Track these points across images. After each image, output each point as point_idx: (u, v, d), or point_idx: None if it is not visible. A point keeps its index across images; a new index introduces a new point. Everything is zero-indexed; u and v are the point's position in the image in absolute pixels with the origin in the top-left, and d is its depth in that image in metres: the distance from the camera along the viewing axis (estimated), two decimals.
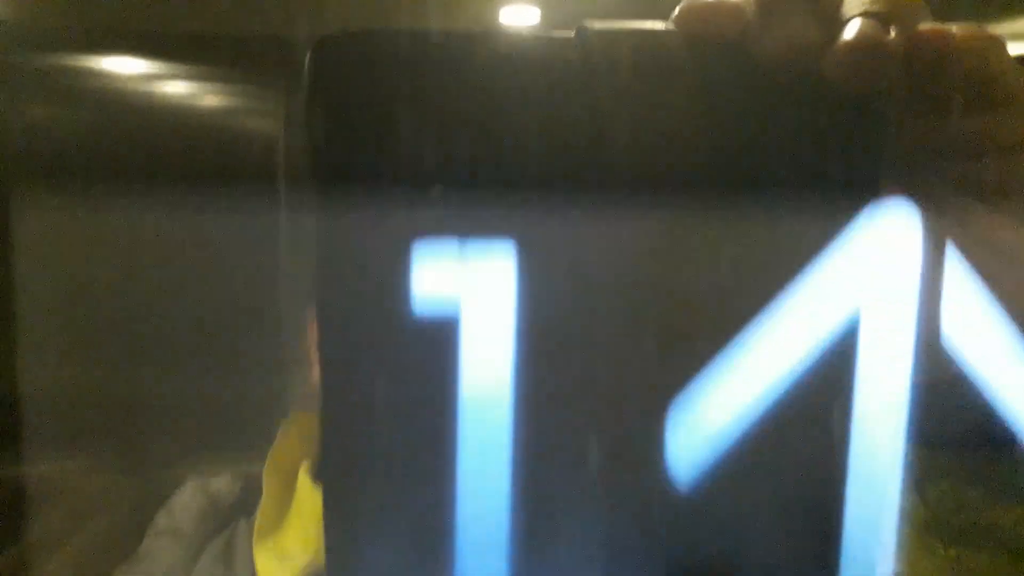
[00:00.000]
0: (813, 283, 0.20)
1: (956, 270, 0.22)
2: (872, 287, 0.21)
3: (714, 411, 0.20)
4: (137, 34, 0.87)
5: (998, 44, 0.22)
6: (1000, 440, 0.25)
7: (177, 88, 0.91)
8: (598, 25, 0.20)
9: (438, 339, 0.19)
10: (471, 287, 0.19)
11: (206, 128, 0.92)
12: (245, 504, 0.58)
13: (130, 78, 0.89)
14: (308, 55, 0.19)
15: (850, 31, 0.20)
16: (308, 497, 0.51)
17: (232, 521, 0.57)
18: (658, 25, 0.21)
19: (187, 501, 0.59)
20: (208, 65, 0.90)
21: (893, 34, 0.20)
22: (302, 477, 0.52)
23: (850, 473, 0.21)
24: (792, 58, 0.20)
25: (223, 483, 0.61)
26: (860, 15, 0.20)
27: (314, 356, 0.53)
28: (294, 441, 0.55)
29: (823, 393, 0.21)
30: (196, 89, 0.92)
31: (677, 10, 0.21)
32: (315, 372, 0.51)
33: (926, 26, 0.21)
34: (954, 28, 0.21)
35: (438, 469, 0.20)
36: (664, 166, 0.20)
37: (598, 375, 0.20)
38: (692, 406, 0.20)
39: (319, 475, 0.52)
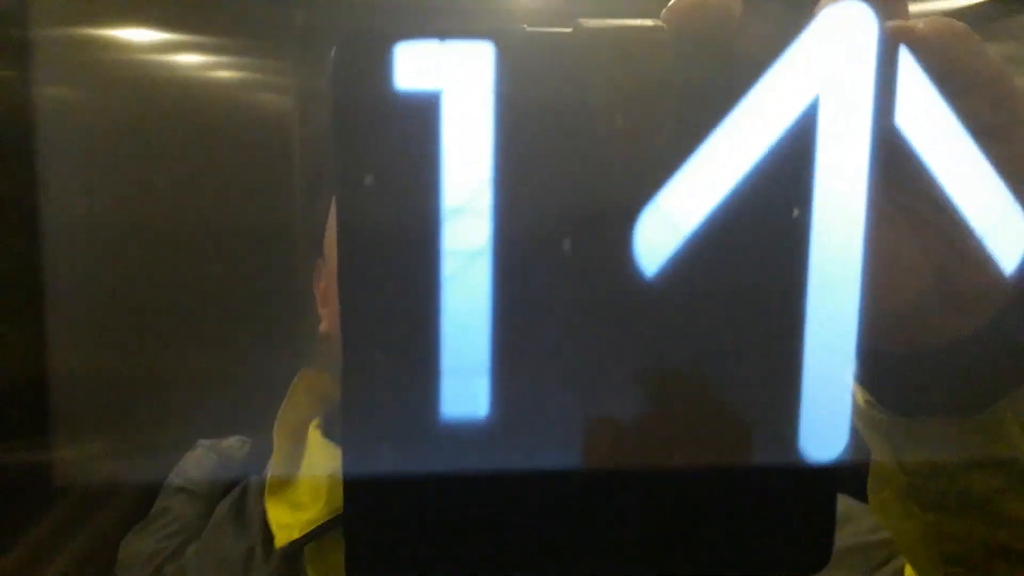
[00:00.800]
0: (774, 77, 0.22)
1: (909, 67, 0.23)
2: (830, 79, 0.22)
3: (683, 204, 0.21)
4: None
5: (965, 34, 0.23)
6: (973, 407, 0.26)
7: (187, 59, 0.92)
8: (593, 22, 0.22)
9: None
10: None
11: (217, 102, 0.93)
12: (254, 462, 0.60)
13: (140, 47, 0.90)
14: (330, 56, 0.20)
15: None
16: (319, 451, 0.53)
17: (243, 478, 0.59)
18: (649, 22, 0.22)
19: (199, 460, 0.62)
20: (219, 35, 0.91)
21: None
22: (313, 433, 0.54)
23: (810, 283, 0.22)
24: (774, 51, 0.22)
25: (232, 443, 0.63)
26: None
27: (322, 307, 0.55)
28: (303, 399, 0.57)
29: (785, 192, 0.22)
30: (206, 60, 0.92)
31: (667, 7, 0.22)
32: (323, 324, 0.53)
33: (893, 22, 0.22)
34: (920, 22, 0.23)
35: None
36: None
37: (570, 175, 0.21)
38: (663, 198, 0.21)
39: (330, 430, 0.55)
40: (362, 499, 0.22)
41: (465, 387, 0.21)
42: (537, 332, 0.22)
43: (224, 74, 0.94)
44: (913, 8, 0.24)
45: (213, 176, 0.88)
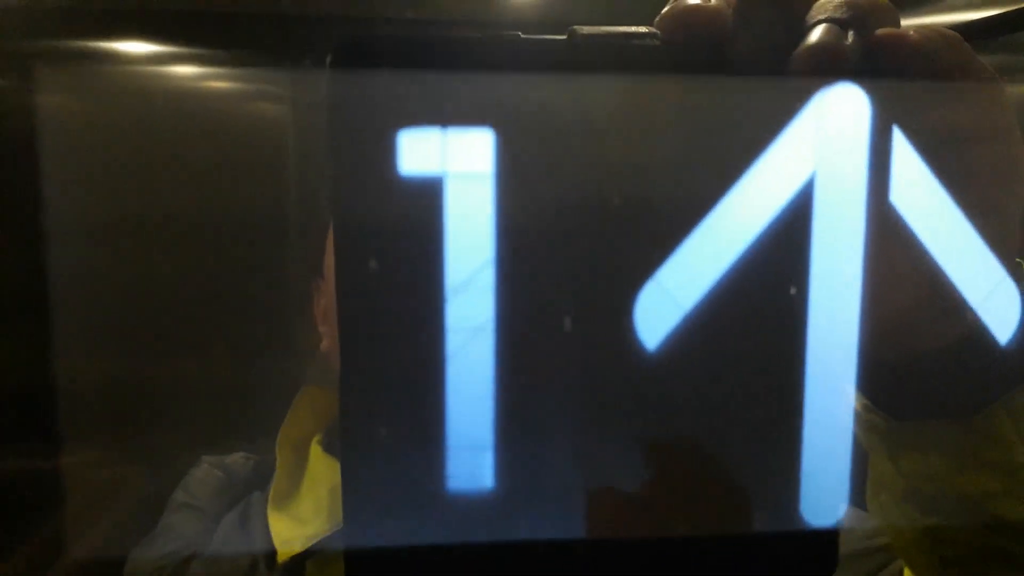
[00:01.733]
0: (772, 157, 0.22)
1: (903, 149, 0.23)
2: (824, 162, 0.22)
3: (683, 280, 0.22)
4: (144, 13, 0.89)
5: (955, 43, 0.24)
6: (967, 410, 0.26)
7: (184, 70, 0.92)
8: (587, 29, 0.22)
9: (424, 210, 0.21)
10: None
11: (214, 112, 0.93)
12: (258, 478, 0.61)
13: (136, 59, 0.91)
14: (328, 60, 0.21)
15: (812, 36, 0.22)
16: (321, 467, 0.53)
17: (247, 494, 0.59)
18: (643, 29, 0.23)
19: (203, 477, 0.62)
20: (214, 46, 0.92)
21: (851, 38, 0.22)
22: (314, 448, 0.54)
23: (808, 350, 0.22)
24: (763, 58, 0.22)
25: (236, 459, 0.63)
26: (822, 21, 0.22)
27: (322, 325, 0.55)
28: (305, 415, 0.57)
29: (782, 263, 0.22)
30: (202, 71, 0.93)
31: (660, 15, 0.23)
32: (324, 343, 0.54)
33: (884, 30, 0.23)
34: (912, 30, 0.23)
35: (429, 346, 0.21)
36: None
37: (570, 252, 0.22)
38: (661, 275, 0.22)
39: (331, 445, 0.55)
40: (365, 572, 0.22)
41: (470, 461, 0.22)
42: (540, 407, 0.22)
43: (220, 84, 0.95)
44: (907, 22, 0.24)
45: (214, 186, 0.89)
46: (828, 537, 0.23)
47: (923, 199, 0.24)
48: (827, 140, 0.22)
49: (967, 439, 0.26)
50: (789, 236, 0.22)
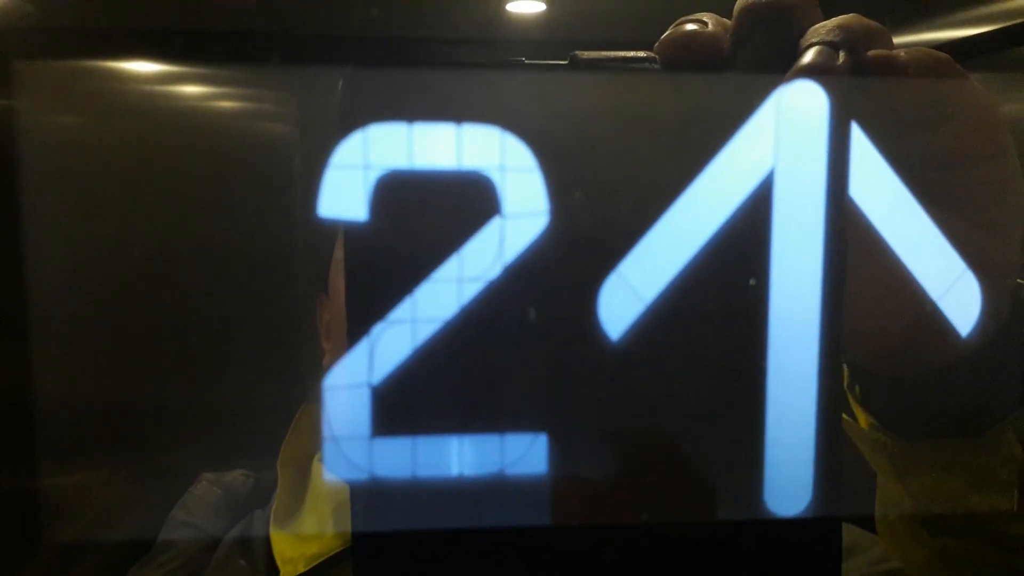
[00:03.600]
0: (731, 151, 0.22)
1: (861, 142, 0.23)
2: (783, 158, 0.22)
3: (646, 272, 0.22)
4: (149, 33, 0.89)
5: (947, 63, 0.24)
6: (977, 429, 0.26)
7: (190, 89, 0.93)
8: (588, 54, 0.23)
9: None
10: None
11: (218, 131, 0.93)
12: (259, 496, 0.60)
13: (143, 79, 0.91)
14: (340, 86, 0.21)
15: (805, 58, 0.22)
16: (323, 485, 0.53)
17: (247, 512, 0.59)
18: (642, 54, 0.23)
19: (202, 495, 0.61)
20: (220, 65, 0.92)
21: (842, 59, 0.22)
22: (316, 466, 0.54)
23: (771, 339, 0.23)
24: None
25: (236, 477, 0.63)
26: (815, 43, 0.23)
27: (326, 341, 0.55)
28: (306, 432, 0.57)
29: (742, 261, 0.22)
30: (208, 90, 0.93)
31: (660, 40, 0.23)
32: (327, 359, 0.53)
33: (875, 51, 0.23)
34: (902, 52, 0.23)
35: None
36: None
37: (536, 247, 0.22)
38: (625, 268, 0.22)
39: None
40: (368, 551, 0.22)
41: (435, 450, 0.22)
42: (505, 395, 0.22)
43: (226, 104, 0.95)
44: (910, 39, 0.24)
45: (213, 203, 0.89)
46: (830, 565, 0.23)
47: (917, 221, 0.24)
48: (786, 138, 0.22)
49: (977, 458, 0.27)
50: (748, 232, 0.22)
